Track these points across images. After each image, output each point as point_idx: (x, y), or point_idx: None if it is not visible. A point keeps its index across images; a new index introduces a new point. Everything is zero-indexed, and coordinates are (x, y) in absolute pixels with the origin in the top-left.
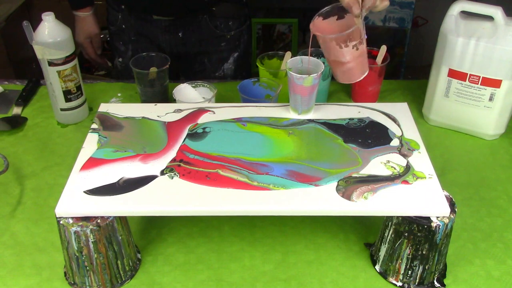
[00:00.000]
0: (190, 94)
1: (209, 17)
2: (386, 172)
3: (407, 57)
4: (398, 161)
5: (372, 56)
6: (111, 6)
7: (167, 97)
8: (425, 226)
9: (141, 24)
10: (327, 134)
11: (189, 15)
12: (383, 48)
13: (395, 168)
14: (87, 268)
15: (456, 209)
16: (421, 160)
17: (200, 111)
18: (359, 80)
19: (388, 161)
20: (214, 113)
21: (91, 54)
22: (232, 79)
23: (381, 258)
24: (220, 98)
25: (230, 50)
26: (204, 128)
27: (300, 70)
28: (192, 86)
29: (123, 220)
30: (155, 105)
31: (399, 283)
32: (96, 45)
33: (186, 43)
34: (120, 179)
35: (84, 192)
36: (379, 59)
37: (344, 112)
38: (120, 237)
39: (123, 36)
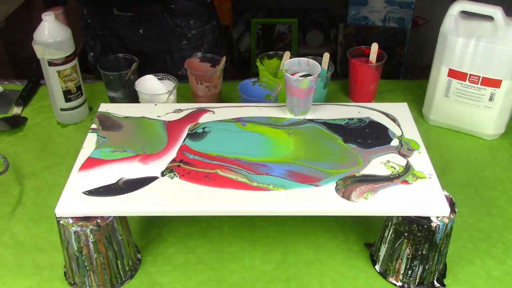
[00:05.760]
0: (154, 86)
1: (169, 14)
2: (386, 172)
3: (407, 57)
4: (398, 161)
5: (365, 55)
6: (78, 1)
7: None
8: (425, 226)
9: (104, 19)
10: (327, 134)
11: (148, 11)
12: (375, 46)
13: (395, 168)
14: (87, 268)
15: (456, 209)
16: (421, 160)
17: (200, 111)
18: None
19: (388, 161)
20: (214, 113)
21: None
22: None
23: (381, 258)
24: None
25: (192, 49)
26: (204, 128)
27: (297, 72)
28: (158, 79)
29: (123, 220)
30: (155, 105)
31: (399, 283)
32: None
33: (147, 39)
34: (120, 179)
35: (83, 193)
36: (373, 57)
37: (344, 112)
38: (120, 237)
39: (90, 31)
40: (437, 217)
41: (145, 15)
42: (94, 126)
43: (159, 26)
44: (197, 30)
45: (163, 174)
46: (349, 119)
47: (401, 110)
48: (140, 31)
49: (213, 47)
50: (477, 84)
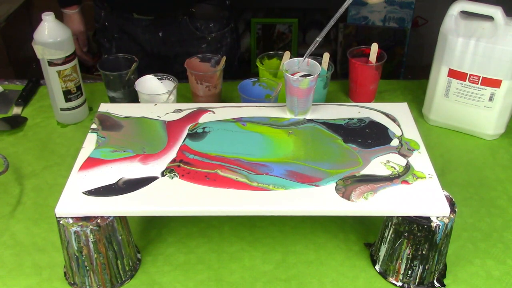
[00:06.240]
0: (154, 86)
1: (189, 17)
2: (386, 172)
3: (407, 57)
4: (398, 161)
5: (365, 55)
6: (95, 3)
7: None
8: (425, 226)
9: (122, 22)
10: (327, 134)
11: (169, 15)
12: (374, 46)
13: (395, 168)
14: (87, 268)
15: (456, 209)
16: (421, 160)
17: (200, 111)
18: None
19: (388, 161)
20: (214, 113)
21: (76, 50)
22: None
23: (381, 258)
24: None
25: (211, 52)
26: (204, 128)
27: (297, 72)
28: (158, 79)
29: (123, 220)
30: (155, 105)
31: (399, 283)
32: (82, 42)
33: (166, 43)
34: (120, 179)
35: (83, 193)
36: (373, 57)
37: (344, 112)
38: (120, 237)
39: (106, 33)
40: (437, 217)
41: (165, 18)
42: (94, 126)
43: (179, 30)
44: (216, 33)
45: (163, 174)
46: (349, 119)
47: (401, 110)
48: (160, 34)
49: (231, 50)
50: (477, 84)
